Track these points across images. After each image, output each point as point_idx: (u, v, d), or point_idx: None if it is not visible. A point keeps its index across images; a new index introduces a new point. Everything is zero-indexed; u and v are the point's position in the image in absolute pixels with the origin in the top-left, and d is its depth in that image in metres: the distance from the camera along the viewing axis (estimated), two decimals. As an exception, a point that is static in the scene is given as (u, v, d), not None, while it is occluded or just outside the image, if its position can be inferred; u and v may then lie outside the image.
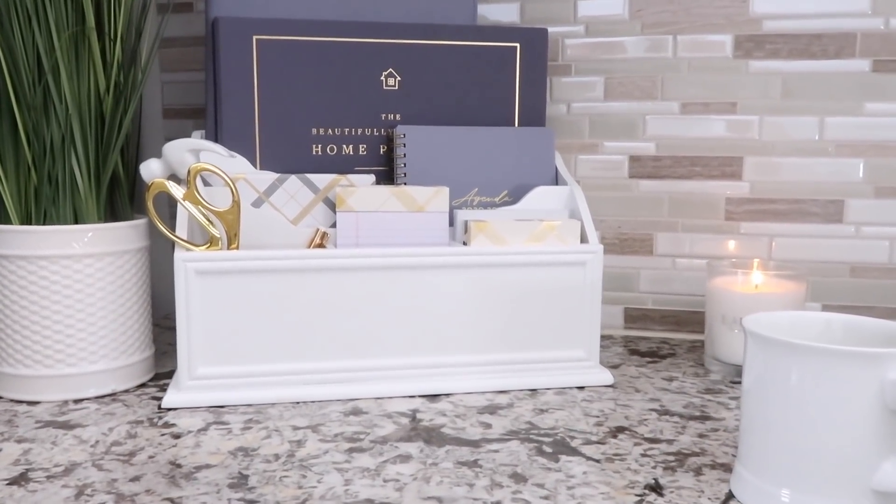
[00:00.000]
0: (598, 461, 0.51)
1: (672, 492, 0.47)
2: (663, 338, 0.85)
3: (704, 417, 0.60)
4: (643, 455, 0.53)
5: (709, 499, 0.46)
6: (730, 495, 0.46)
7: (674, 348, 0.81)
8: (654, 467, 0.50)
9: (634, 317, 0.88)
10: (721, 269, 0.73)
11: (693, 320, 0.86)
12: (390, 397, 0.64)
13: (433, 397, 0.64)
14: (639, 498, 0.46)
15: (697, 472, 0.50)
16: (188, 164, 0.64)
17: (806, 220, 0.82)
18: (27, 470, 0.49)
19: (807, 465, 0.42)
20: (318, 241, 0.67)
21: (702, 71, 0.82)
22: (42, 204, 0.63)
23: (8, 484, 0.47)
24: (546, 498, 0.46)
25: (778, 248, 0.83)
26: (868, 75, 0.79)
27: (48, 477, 0.48)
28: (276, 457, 0.52)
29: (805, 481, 0.42)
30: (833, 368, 0.41)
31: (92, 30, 0.63)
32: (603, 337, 0.85)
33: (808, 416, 0.42)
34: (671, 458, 0.52)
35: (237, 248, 0.63)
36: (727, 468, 0.50)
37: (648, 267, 0.87)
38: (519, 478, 0.49)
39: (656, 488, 0.47)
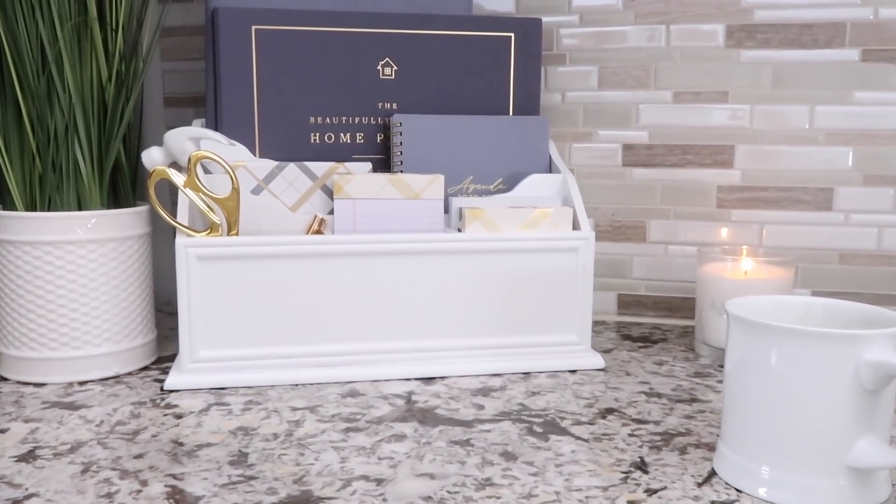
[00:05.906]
0: (586, 441, 0.53)
1: (657, 469, 0.48)
2: (656, 323, 0.87)
3: (692, 399, 0.62)
4: (630, 435, 0.54)
5: (692, 476, 0.48)
6: (712, 473, 0.48)
7: (665, 333, 0.82)
8: (641, 447, 0.52)
9: (627, 303, 0.89)
10: (711, 256, 0.74)
11: (685, 306, 0.87)
12: (386, 380, 0.66)
13: (428, 380, 0.66)
14: (624, 475, 0.48)
15: (682, 451, 0.52)
16: (189, 151, 0.66)
17: (796, 207, 0.83)
18: (35, 448, 0.51)
19: (785, 443, 0.44)
20: (316, 227, 0.68)
21: (694, 60, 0.83)
22: (46, 190, 0.64)
23: (17, 461, 0.49)
24: (535, 475, 0.47)
25: (769, 236, 0.84)
26: (857, 64, 0.80)
27: (55, 454, 0.50)
28: (275, 436, 0.53)
29: (784, 458, 0.44)
30: (811, 350, 0.42)
31: (94, 20, 0.65)
32: (596, 322, 0.86)
33: (786, 396, 0.44)
34: (658, 438, 0.54)
35: (237, 234, 0.64)
36: (711, 447, 0.52)
37: (641, 254, 0.88)
38: (509, 456, 0.50)
39: (641, 466, 0.49)
